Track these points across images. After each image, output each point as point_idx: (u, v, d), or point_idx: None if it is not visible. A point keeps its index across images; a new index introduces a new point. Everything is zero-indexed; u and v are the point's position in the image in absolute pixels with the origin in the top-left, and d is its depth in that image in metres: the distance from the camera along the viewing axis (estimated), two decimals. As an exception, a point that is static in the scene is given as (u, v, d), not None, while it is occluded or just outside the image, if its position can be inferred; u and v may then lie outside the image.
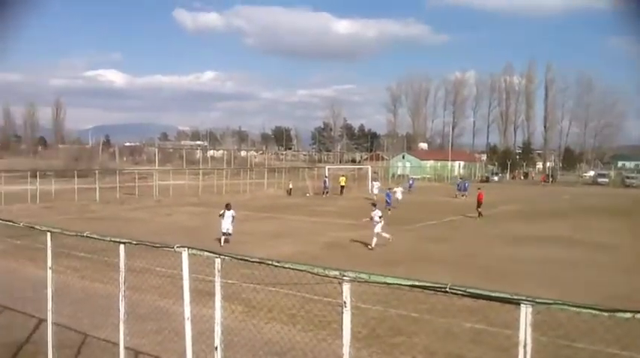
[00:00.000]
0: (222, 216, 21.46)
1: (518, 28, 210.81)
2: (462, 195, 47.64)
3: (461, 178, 64.11)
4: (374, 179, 45.99)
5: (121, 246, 6.36)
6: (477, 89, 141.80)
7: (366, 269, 14.39)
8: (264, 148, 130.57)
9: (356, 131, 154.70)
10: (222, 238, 20.86)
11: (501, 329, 8.62)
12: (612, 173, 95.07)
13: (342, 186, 51.61)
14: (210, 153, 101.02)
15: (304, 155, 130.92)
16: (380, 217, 21.41)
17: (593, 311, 3.63)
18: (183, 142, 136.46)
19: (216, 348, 5.55)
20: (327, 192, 48.97)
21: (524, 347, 3.80)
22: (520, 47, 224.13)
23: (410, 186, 55.40)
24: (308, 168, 69.72)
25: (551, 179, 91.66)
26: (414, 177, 72.42)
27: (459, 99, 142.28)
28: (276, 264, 5.19)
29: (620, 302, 12.73)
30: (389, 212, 31.30)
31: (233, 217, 21.31)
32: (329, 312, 9.88)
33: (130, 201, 39.06)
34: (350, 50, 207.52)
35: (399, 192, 38.63)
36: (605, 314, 3.61)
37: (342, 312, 4.58)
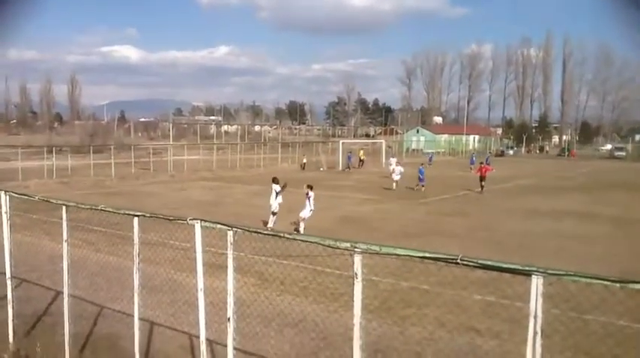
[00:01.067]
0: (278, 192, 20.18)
1: (537, 0, 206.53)
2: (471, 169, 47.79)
3: (473, 153, 63.86)
4: (393, 156, 41.75)
5: (135, 219, 6.44)
6: (493, 63, 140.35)
7: (379, 243, 14.50)
8: (278, 123, 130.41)
9: (370, 105, 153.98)
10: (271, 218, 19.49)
11: (513, 301, 8.63)
12: (629, 147, 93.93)
13: (362, 160, 52.47)
14: (224, 128, 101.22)
15: (318, 130, 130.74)
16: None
17: (605, 282, 3.63)
18: (197, 117, 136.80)
19: (229, 319, 5.63)
20: (349, 168, 48.66)
21: (535, 318, 3.82)
22: (538, 20, 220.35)
23: (430, 161, 55.34)
24: (322, 142, 69.64)
25: (567, 153, 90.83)
26: (430, 151, 72.11)
27: (474, 73, 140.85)
28: (288, 236, 5.24)
29: (635, 276, 12.67)
30: (423, 189, 31.19)
31: (277, 193, 19.89)
32: (340, 284, 9.97)
33: (145, 176, 39.35)
34: (365, 24, 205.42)
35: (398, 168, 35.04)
36: (617, 285, 3.61)
37: (354, 284, 4.62)
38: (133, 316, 6.74)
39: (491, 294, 9.74)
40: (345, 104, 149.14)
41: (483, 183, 31.21)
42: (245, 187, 33.33)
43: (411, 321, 9.14)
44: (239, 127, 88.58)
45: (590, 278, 3.61)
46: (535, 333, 3.77)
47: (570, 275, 3.69)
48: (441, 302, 10.01)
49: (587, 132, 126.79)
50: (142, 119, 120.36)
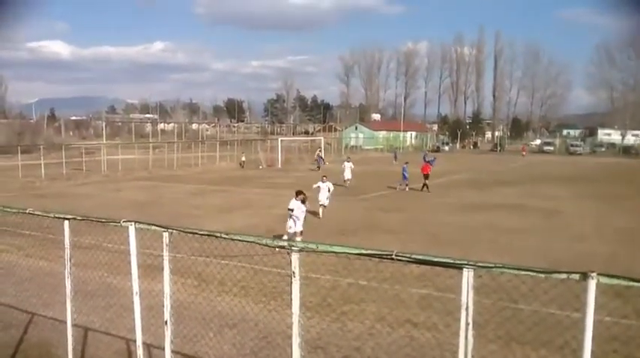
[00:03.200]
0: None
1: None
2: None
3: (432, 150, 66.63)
4: (347, 159, 35.36)
5: (66, 223, 6.25)
6: (428, 60, 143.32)
7: (319, 240, 14.54)
8: (216, 121, 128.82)
9: (309, 102, 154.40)
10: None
11: (447, 293, 8.91)
12: (557, 141, 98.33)
13: (321, 158, 52.68)
14: (161, 126, 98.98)
15: (257, 127, 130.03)
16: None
17: (531, 273, 3.80)
18: (132, 115, 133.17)
19: (166, 322, 5.55)
20: (319, 167, 46.33)
21: (467, 309, 3.95)
22: (471, 18, 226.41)
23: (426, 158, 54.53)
24: (261, 140, 69.36)
25: (499, 148, 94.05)
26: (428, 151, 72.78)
27: (410, 70, 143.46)
28: (225, 236, 5.20)
29: (562, 266, 13.32)
30: (406, 188, 30.90)
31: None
32: (279, 283, 9.98)
33: (77, 177, 38.07)
34: (304, 20, 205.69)
35: (348, 168, 33.15)
36: (542, 275, 3.78)
37: (292, 282, 4.65)
38: (65, 322, 6.53)
39: (427, 287, 10.01)
40: (284, 101, 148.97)
41: (427, 181, 31.20)
42: (183, 187, 32.79)
43: (350, 317, 9.28)
44: (176, 125, 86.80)
45: (518, 269, 3.78)
46: (467, 324, 3.90)
47: (499, 267, 3.85)
48: (378, 297, 10.19)
49: (517, 128, 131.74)
50: (74, 117, 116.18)
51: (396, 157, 58.07)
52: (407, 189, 30.72)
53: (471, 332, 3.88)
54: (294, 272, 4.56)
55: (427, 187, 30.58)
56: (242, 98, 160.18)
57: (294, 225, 15.73)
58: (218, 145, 55.56)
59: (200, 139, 69.10)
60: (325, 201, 21.42)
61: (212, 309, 9.16)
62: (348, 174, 32.23)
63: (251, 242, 4.93)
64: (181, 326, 7.01)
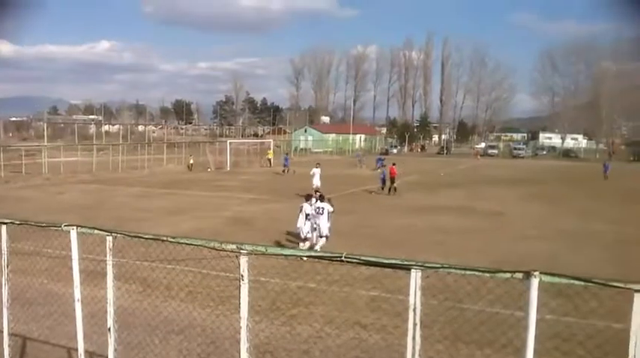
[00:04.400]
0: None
1: (421, 4, 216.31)
2: (377, 168, 49.47)
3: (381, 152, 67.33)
4: (317, 165, 31.84)
5: (2, 227, 5.97)
6: (377, 64, 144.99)
7: (268, 242, 14.45)
8: (163, 122, 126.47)
9: (259, 105, 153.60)
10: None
11: (395, 295, 8.99)
12: (501, 144, 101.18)
13: (270, 159, 53.31)
14: (105, 127, 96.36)
15: (205, 129, 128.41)
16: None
17: (477, 273, 3.86)
18: (75, 117, 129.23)
19: (109, 329, 5.39)
20: (287, 170, 45.22)
21: (414, 310, 3.98)
22: (421, 23, 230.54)
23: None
24: (209, 142, 68.47)
25: (445, 151, 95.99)
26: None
27: (360, 74, 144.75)
28: (171, 239, 5.08)
29: (506, 266, 13.65)
30: (382, 190, 30.84)
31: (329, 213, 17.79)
32: (227, 287, 9.86)
33: (16, 180, 36.63)
34: (254, 22, 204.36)
35: (317, 175, 30.76)
36: (487, 275, 3.85)
37: (240, 286, 4.58)
38: (2, 332, 6.25)
39: (376, 289, 10.08)
40: (233, 103, 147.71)
41: (395, 184, 31.20)
42: (128, 190, 32.01)
43: (300, 320, 9.25)
44: (121, 127, 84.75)
45: (464, 269, 3.84)
46: (415, 325, 3.93)
47: (446, 267, 3.90)
48: (328, 299, 10.20)
49: (464, 131, 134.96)
50: (13, 118, 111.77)
51: (360, 161, 57.08)
52: (385, 190, 30.92)
53: (418, 333, 3.91)
54: (242, 276, 4.49)
55: (395, 190, 30.74)
56: (190, 100, 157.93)
57: (313, 230, 15.29)
58: (165, 147, 54.56)
59: (147, 141, 67.58)
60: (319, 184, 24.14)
61: (158, 315, 8.96)
62: (317, 182, 29.76)
63: (198, 245, 4.84)
64: (125, 333, 6.81)
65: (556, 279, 3.40)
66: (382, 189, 31.15)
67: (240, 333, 4.69)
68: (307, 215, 15.29)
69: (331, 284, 10.43)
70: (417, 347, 3.91)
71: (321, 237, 15.26)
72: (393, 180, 31.37)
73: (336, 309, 9.71)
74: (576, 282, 3.36)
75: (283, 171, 45.00)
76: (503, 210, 24.63)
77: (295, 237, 17.27)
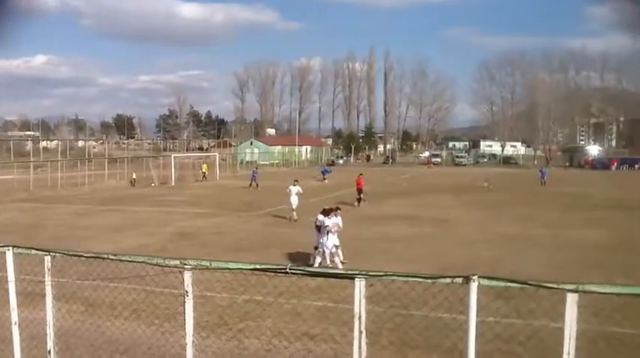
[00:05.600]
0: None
1: (362, 18, 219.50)
2: (324, 179, 49.71)
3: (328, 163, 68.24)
4: (294, 183, 26.42)
5: None
6: (322, 75, 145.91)
7: (214, 257, 14.29)
8: (104, 138, 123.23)
9: (203, 118, 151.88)
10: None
11: (342, 304, 9.04)
12: (444, 153, 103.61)
13: (204, 173, 52.09)
14: (43, 144, 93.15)
15: (148, 143, 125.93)
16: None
17: (419, 279, 3.96)
18: (10, 133, 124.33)
19: (49, 352, 5.22)
20: (256, 185, 43.11)
21: (359, 318, 4.04)
22: (363, 35, 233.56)
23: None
24: (152, 157, 67.23)
25: (391, 160, 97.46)
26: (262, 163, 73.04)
27: (305, 85, 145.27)
28: (112, 257, 4.98)
29: (450, 272, 13.95)
30: (366, 203, 30.37)
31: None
32: (172, 303, 9.67)
33: (-52, 200, 34.94)
34: (197, 35, 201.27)
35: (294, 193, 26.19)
36: (429, 281, 3.95)
37: (185, 302, 4.53)
38: None
39: (323, 299, 10.11)
40: (176, 117, 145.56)
41: (362, 195, 30.96)
42: (69, 207, 31.01)
43: (247, 334, 9.18)
44: (60, 143, 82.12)
45: (406, 276, 3.93)
46: (360, 333, 3.99)
47: (389, 275, 3.98)
48: (276, 312, 10.16)
49: (408, 141, 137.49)
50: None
51: (325, 173, 54.88)
52: (366, 203, 30.36)
53: (364, 341, 3.96)
54: (187, 292, 4.45)
55: (362, 201, 30.47)
56: (132, 114, 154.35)
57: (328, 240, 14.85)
58: (107, 163, 53.16)
59: (87, 157, 65.72)
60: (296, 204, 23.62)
61: (101, 335, 8.69)
62: (295, 201, 25.18)
63: (141, 262, 4.76)
64: (67, 356, 6.60)
65: (493, 283, 3.53)
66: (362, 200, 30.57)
67: (186, 350, 4.63)
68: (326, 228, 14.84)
69: (278, 296, 10.37)
70: (364, 355, 3.96)
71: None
72: (360, 191, 31.31)
73: (284, 321, 9.69)
74: (513, 285, 3.49)
75: (250, 184, 43.27)
76: (448, 217, 25.19)
77: (239, 251, 17.17)
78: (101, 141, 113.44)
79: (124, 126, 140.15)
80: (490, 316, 8.82)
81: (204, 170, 53.01)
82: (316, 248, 15.27)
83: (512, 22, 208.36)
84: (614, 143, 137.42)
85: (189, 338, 4.50)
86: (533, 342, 7.64)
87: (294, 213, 24.39)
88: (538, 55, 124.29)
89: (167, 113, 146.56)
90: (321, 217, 15.18)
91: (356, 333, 3.96)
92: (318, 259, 14.91)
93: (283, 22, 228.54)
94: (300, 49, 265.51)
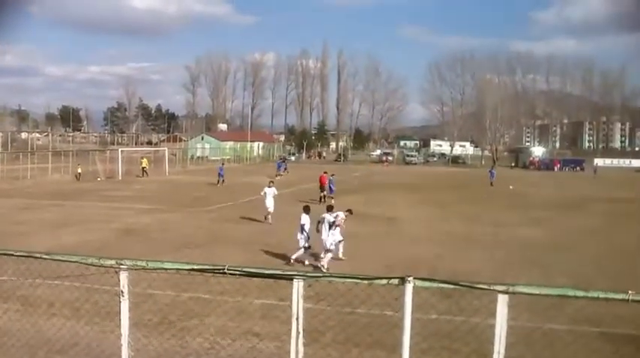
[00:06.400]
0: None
1: (317, 15, 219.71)
2: (279, 175, 49.74)
3: (280, 158, 70.60)
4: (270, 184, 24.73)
5: None
6: (275, 71, 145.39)
7: (159, 255, 14.12)
8: (49, 130, 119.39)
9: (153, 111, 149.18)
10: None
11: (288, 302, 9.01)
12: (395, 151, 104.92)
13: (144, 168, 50.20)
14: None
15: (95, 137, 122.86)
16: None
17: (356, 281, 4.00)
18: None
19: (-21, 353, 5.02)
20: (222, 181, 41.88)
21: (297, 319, 4.05)
22: (317, 32, 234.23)
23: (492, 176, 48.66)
24: (99, 150, 65.59)
25: (342, 158, 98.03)
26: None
27: (257, 81, 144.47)
28: (45, 256, 4.83)
29: (399, 269, 14.18)
30: (332, 200, 28.99)
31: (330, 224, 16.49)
32: (116, 303, 9.46)
33: None
34: (148, 26, 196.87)
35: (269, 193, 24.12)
36: (366, 282, 4.00)
37: (120, 302, 4.44)
38: None
39: (269, 297, 10.06)
40: (125, 110, 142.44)
41: (324, 192, 30.80)
42: (9, 201, 29.86)
43: (192, 332, 9.07)
44: (1, 135, 79.25)
45: (344, 277, 3.96)
46: (297, 333, 4.00)
47: (327, 276, 4.01)
48: (222, 310, 10.08)
49: (360, 139, 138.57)
50: None
51: (280, 168, 54.50)
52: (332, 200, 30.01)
53: (301, 341, 3.98)
54: (122, 292, 4.36)
55: (324, 198, 30.23)
56: (79, 106, 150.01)
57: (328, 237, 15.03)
58: (51, 156, 51.48)
59: (30, 150, 63.60)
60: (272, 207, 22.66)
61: (39, 335, 8.43)
62: (270, 205, 23.38)
63: (75, 262, 4.64)
64: (0, 355, 6.39)
65: (427, 283, 3.60)
66: (332, 198, 29.87)
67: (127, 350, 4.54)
68: (330, 226, 15.06)
69: (224, 293, 10.32)
70: (300, 355, 3.97)
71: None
72: (322, 189, 31.16)
73: (230, 319, 9.62)
74: (446, 286, 3.57)
75: (218, 181, 41.82)
76: (396, 215, 25.52)
77: (186, 248, 16.96)
78: (45, 134, 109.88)
79: (69, 118, 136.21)
80: (433, 313, 9.02)
81: (144, 165, 50.81)
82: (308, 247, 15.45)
83: (463, 23, 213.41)
84: (557, 144, 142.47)
85: (124, 340, 4.42)
86: (471, 338, 7.83)
87: (270, 217, 22.70)
88: (487, 56, 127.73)
89: (115, 106, 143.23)
90: (325, 215, 15.41)
91: (293, 333, 3.97)
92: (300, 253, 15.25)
93: (237, 15, 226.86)
94: (254, 44, 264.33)
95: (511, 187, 42.52)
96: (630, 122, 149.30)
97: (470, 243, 18.83)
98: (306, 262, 15.25)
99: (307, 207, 16.35)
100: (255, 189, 35.71)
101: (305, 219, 15.53)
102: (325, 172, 33.30)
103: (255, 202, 30.44)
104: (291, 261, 15.06)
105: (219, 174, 42.47)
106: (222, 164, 48.34)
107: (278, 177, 48.34)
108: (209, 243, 18.12)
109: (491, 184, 46.09)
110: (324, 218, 15.24)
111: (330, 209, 15.77)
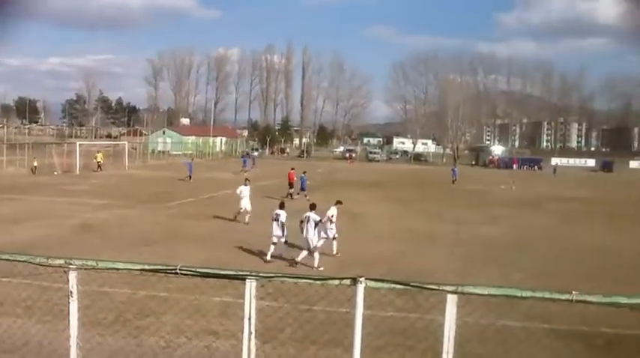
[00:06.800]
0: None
1: (282, 11, 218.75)
2: (244, 170, 48.85)
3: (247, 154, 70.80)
4: (246, 183, 23.59)
5: None
6: (239, 66, 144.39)
7: (118, 251, 13.88)
8: (4, 121, 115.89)
9: (113, 104, 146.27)
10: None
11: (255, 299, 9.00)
12: (359, 148, 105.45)
13: (99, 163, 48.67)
14: None
15: (53, 129, 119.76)
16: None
17: (309, 281, 4.01)
18: None
19: None
20: (190, 177, 40.78)
21: (249, 319, 4.03)
22: (282, 28, 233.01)
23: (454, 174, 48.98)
24: (56, 143, 63.98)
25: (306, 154, 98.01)
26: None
27: (221, 76, 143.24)
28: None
29: (360, 266, 14.30)
30: (307, 198, 28.61)
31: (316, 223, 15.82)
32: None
33: None
34: (111, 18, 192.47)
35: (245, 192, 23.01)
36: (318, 282, 4.01)
37: (69, 303, 4.34)
38: None
39: (229, 295, 9.98)
40: (85, 102, 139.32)
41: (292, 189, 30.66)
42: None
43: (148, 331, 8.94)
44: (-46, 126, 76.59)
45: (297, 278, 3.96)
46: (250, 333, 3.98)
47: (279, 276, 3.99)
48: (180, 308, 9.98)
49: (323, 135, 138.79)
50: None
51: (246, 164, 53.66)
52: (307, 198, 29.03)
53: (254, 342, 3.97)
54: (71, 292, 4.26)
55: (292, 196, 30.02)
56: (37, 97, 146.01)
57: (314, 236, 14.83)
58: (5, 148, 50.01)
59: (-16, 142, 61.69)
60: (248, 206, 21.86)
61: (-13, 334, 8.20)
62: (246, 204, 22.35)
63: (23, 261, 4.52)
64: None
65: (379, 284, 3.63)
66: (305, 195, 29.88)
67: (77, 350, 4.45)
68: (316, 224, 14.85)
69: (182, 291, 10.20)
70: (252, 355, 3.96)
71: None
72: (291, 185, 31.00)
73: (188, 318, 9.52)
74: (398, 286, 3.61)
75: (189, 177, 40.83)
76: (359, 212, 25.61)
77: (144, 245, 16.74)
78: (0, 125, 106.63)
79: (26, 110, 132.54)
80: (391, 310, 9.12)
81: (99, 159, 49.10)
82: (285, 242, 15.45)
83: (428, 23, 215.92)
84: (517, 143, 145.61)
85: (73, 341, 4.32)
86: (426, 334, 7.94)
87: (247, 217, 21.71)
88: (450, 57, 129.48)
89: (74, 98, 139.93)
90: (309, 213, 15.09)
91: (245, 334, 3.96)
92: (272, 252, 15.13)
93: (202, 9, 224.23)
94: (218, 38, 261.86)
95: (508, 186, 42.66)
96: (587, 123, 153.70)
97: (431, 241, 19.08)
98: (299, 258, 14.82)
99: (282, 203, 16.26)
100: (218, 185, 35.58)
101: (283, 215, 15.35)
102: (293, 169, 33.25)
103: (217, 198, 30.25)
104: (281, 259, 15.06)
105: (188, 169, 41.61)
106: (192, 159, 47.82)
107: (244, 174, 47.93)
108: (168, 240, 17.88)
109: (453, 182, 46.72)
110: (308, 216, 14.86)
111: (313, 207, 15.43)
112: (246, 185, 22.97)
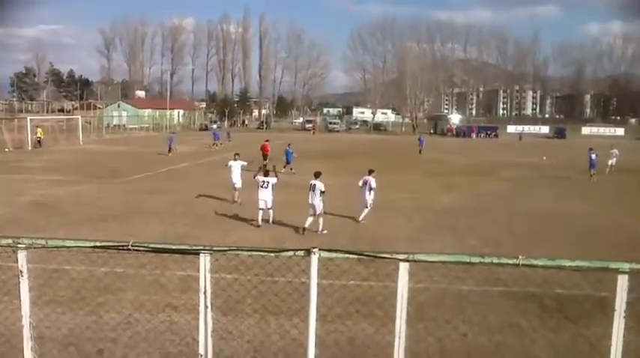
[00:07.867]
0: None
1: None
2: (215, 144, 48.68)
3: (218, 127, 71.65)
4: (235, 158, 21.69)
5: None
6: (195, 36, 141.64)
7: (74, 227, 13.59)
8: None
9: (65, 77, 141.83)
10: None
11: (210, 273, 8.99)
12: (318, 119, 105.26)
13: (39, 139, 46.33)
14: None
15: (1, 104, 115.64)
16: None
17: (262, 253, 4.02)
18: None
19: None
20: (168, 151, 39.49)
21: (205, 293, 4.03)
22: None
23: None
24: (6, 119, 61.80)
25: (265, 126, 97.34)
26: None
27: (177, 46, 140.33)
28: None
29: (318, 238, 14.43)
30: (292, 170, 29.10)
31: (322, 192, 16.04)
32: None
33: None
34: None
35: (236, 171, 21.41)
36: (272, 254, 4.03)
37: (19, 283, 4.26)
38: None
39: (188, 269, 9.95)
40: (34, 75, 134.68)
41: (267, 161, 29.29)
42: None
43: (107, 308, 8.87)
44: None
45: (250, 250, 3.97)
46: (205, 307, 3.99)
47: (234, 249, 4.00)
48: (138, 284, 9.91)
49: (283, 106, 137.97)
50: None
51: (218, 137, 51.49)
52: (293, 171, 29.33)
53: (210, 315, 3.98)
54: (21, 272, 4.18)
55: (266, 167, 29.60)
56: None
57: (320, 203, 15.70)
58: (-49, 125, 48.08)
59: None
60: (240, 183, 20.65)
61: None
62: (237, 179, 20.88)
63: (-32, 242, 4.39)
64: None
65: (333, 255, 3.67)
66: (291, 169, 29.99)
67: (33, 329, 4.38)
68: (322, 193, 15.74)
69: (140, 267, 10.13)
70: (209, 329, 3.98)
71: (269, 208, 16.36)
72: (265, 157, 30.73)
73: (146, 293, 9.47)
74: (351, 256, 3.66)
75: (169, 150, 39.54)
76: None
77: (102, 221, 16.49)
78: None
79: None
80: (351, 280, 9.26)
81: (39, 135, 46.83)
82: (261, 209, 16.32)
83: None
84: (474, 112, 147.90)
85: (25, 320, 4.25)
86: (389, 303, 8.09)
87: (237, 194, 20.42)
88: (408, 24, 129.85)
89: (24, 71, 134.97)
90: (314, 181, 15.95)
91: (201, 307, 3.97)
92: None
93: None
94: (172, 7, 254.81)
95: (544, 158, 42.65)
96: (541, 90, 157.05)
97: (390, 210, 19.29)
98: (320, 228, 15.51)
99: (319, 172, 16.49)
100: (175, 159, 35.04)
101: (320, 184, 15.83)
102: (267, 141, 33.00)
103: (173, 172, 29.86)
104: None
105: (169, 143, 40.48)
106: (172, 133, 47.11)
107: (216, 147, 47.29)
108: (126, 215, 17.60)
109: (420, 152, 46.75)
110: (314, 184, 15.73)
111: (318, 175, 16.12)
112: (235, 159, 21.36)
